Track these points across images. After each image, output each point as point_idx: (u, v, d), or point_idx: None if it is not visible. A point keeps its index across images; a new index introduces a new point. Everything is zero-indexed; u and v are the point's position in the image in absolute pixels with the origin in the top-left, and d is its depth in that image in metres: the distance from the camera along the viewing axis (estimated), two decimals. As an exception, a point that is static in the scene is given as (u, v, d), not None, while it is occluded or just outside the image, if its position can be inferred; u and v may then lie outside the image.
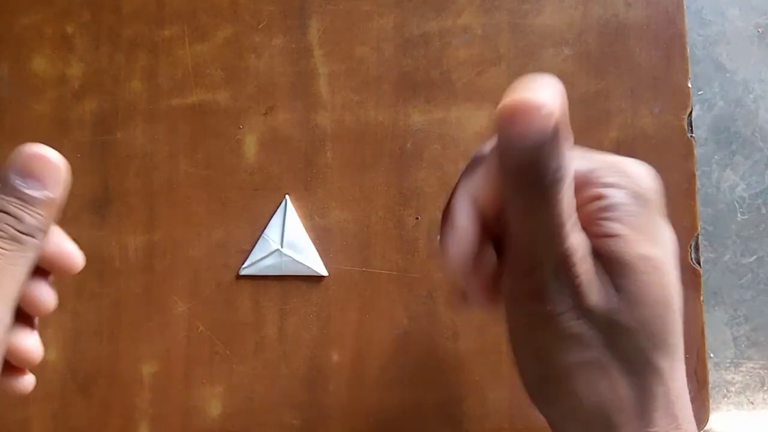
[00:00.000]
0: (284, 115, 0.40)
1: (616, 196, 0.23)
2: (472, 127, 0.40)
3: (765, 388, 0.44)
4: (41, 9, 0.42)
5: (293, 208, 0.39)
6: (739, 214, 0.45)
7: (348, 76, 0.40)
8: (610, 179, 0.23)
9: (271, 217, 0.39)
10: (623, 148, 0.39)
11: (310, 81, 0.40)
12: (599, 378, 0.23)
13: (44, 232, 0.23)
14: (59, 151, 0.42)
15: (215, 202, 0.40)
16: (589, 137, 0.40)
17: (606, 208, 0.23)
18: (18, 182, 0.22)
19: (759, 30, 0.45)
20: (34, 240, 0.22)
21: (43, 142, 0.41)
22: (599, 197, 0.23)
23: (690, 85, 0.40)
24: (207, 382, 0.39)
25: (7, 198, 0.22)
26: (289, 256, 0.39)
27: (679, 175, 0.39)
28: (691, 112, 0.39)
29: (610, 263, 0.22)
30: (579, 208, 0.23)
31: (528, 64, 0.40)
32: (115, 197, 0.40)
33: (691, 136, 0.39)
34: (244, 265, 0.39)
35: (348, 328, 0.39)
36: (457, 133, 0.40)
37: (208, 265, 0.40)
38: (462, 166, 0.40)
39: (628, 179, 0.23)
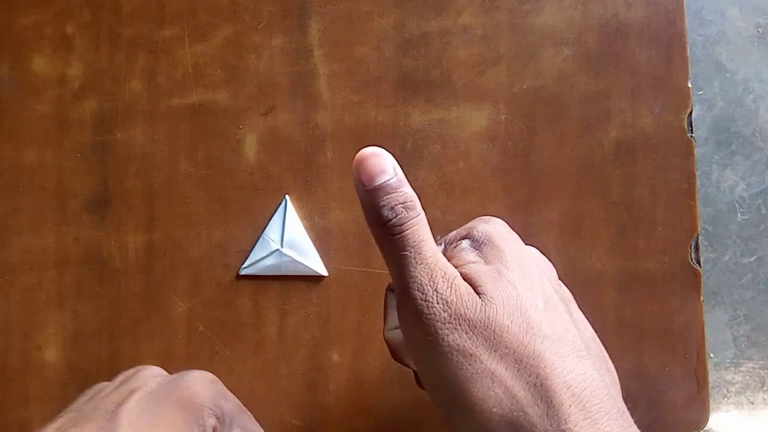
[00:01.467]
0: (284, 115, 0.40)
1: (472, 238, 0.28)
2: (472, 127, 0.40)
3: (765, 388, 0.44)
4: (41, 9, 0.42)
5: (293, 208, 0.39)
6: (739, 214, 0.45)
7: (348, 76, 0.40)
8: (474, 230, 0.28)
9: (272, 216, 0.39)
10: (623, 148, 0.39)
11: (310, 81, 0.40)
12: (493, 386, 0.24)
13: None
14: (59, 151, 0.43)
15: (215, 202, 0.40)
16: (589, 137, 0.40)
17: (469, 246, 0.28)
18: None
19: (759, 30, 0.45)
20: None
21: (43, 142, 0.41)
22: (465, 238, 0.28)
23: (690, 85, 0.40)
24: (207, 382, 0.39)
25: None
26: (289, 256, 0.39)
27: (679, 175, 0.39)
28: (691, 112, 0.39)
29: (472, 281, 0.26)
30: (456, 247, 0.28)
31: (528, 64, 0.40)
32: (115, 197, 0.40)
33: (691, 136, 0.39)
34: (244, 265, 0.39)
35: (348, 328, 0.39)
36: (457, 133, 0.40)
37: (208, 265, 0.40)
38: (462, 165, 0.40)
39: (481, 227, 0.28)
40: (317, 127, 0.40)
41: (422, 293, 0.26)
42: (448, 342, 0.25)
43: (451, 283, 0.26)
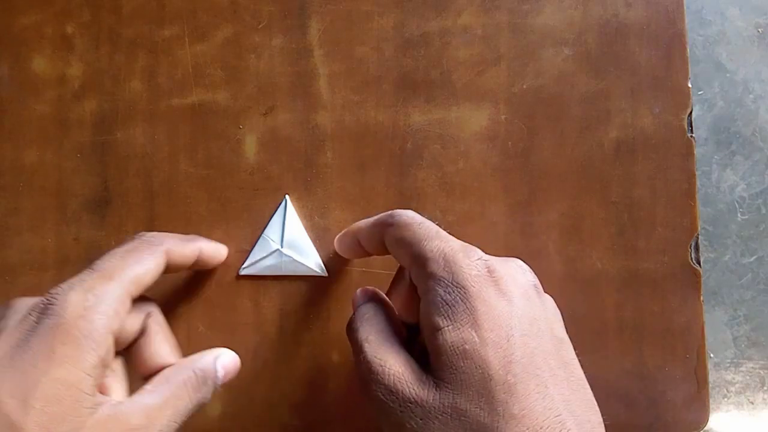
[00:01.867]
0: (284, 115, 0.40)
1: (435, 291, 0.27)
2: (472, 127, 0.40)
3: (765, 388, 0.44)
4: (41, 9, 0.42)
5: (293, 208, 0.39)
6: (739, 214, 0.45)
7: (348, 76, 0.40)
8: (432, 268, 0.27)
9: (272, 216, 0.39)
10: (623, 148, 0.39)
11: (310, 81, 0.40)
12: None
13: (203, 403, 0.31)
14: (59, 151, 0.43)
15: (215, 202, 0.40)
16: (589, 137, 0.40)
17: (429, 304, 0.27)
18: (221, 374, 0.33)
19: (759, 30, 0.45)
20: (204, 401, 0.31)
21: (43, 142, 0.41)
22: (427, 290, 0.27)
23: (690, 85, 0.40)
24: (207, 382, 0.39)
25: (213, 374, 0.32)
26: (289, 256, 0.39)
27: (679, 175, 0.39)
28: (691, 112, 0.40)
29: (436, 355, 0.26)
30: (427, 296, 0.27)
31: (528, 64, 0.40)
32: (115, 197, 0.40)
33: (691, 136, 0.39)
34: (244, 265, 0.39)
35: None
36: (457, 133, 0.40)
37: (208, 265, 0.39)
38: (462, 165, 0.40)
39: (448, 267, 0.27)
40: (317, 127, 0.40)
41: (369, 381, 0.27)
42: (410, 425, 0.25)
43: (389, 371, 0.27)
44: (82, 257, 0.40)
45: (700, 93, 0.45)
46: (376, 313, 0.30)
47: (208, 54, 0.41)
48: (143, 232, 0.33)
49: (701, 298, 0.39)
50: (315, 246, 0.39)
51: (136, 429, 0.27)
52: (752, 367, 0.44)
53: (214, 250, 0.37)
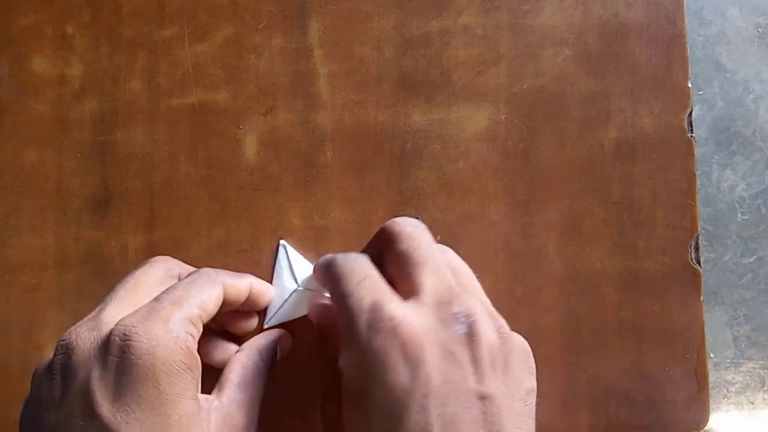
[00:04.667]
0: (284, 115, 0.40)
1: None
2: (472, 127, 0.40)
3: (765, 388, 0.44)
4: (41, 9, 0.42)
5: (294, 249, 0.38)
6: (739, 214, 0.45)
7: (348, 76, 0.40)
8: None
9: (274, 266, 0.38)
10: (623, 148, 0.39)
11: (310, 81, 0.40)
12: None
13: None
14: (59, 151, 0.43)
15: (215, 202, 0.40)
16: (589, 137, 0.40)
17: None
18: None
19: (759, 30, 0.45)
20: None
21: (43, 142, 0.41)
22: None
23: (690, 85, 0.40)
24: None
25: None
26: (311, 290, 0.37)
27: (679, 175, 0.39)
28: (691, 112, 0.40)
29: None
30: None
31: (528, 64, 0.40)
32: (115, 197, 0.40)
33: (691, 136, 0.39)
34: (268, 318, 0.37)
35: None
36: (457, 133, 0.40)
37: (208, 265, 0.39)
38: (462, 165, 0.40)
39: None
40: (317, 127, 0.40)
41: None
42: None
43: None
44: (82, 257, 0.40)
45: (700, 93, 0.45)
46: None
47: (208, 54, 0.41)
48: (201, 269, 0.33)
49: (701, 298, 0.39)
50: (315, 246, 0.39)
51: (244, 428, 0.29)
52: (752, 367, 0.44)
53: (264, 287, 0.36)
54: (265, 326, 0.37)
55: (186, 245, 0.40)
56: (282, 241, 0.38)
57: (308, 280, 0.37)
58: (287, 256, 0.37)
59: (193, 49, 0.41)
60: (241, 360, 0.31)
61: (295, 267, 0.37)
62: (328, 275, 0.30)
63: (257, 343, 0.33)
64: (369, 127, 0.40)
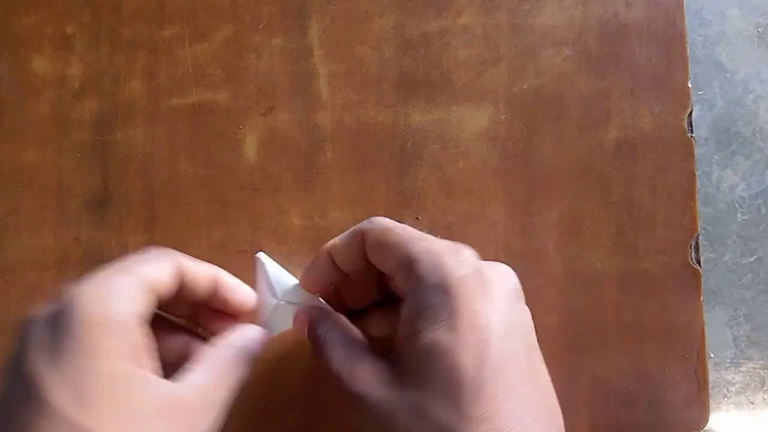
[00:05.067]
0: (284, 115, 0.40)
1: (419, 294, 0.27)
2: (472, 127, 0.40)
3: (765, 388, 0.44)
4: (41, 9, 0.42)
5: (271, 260, 0.35)
6: (739, 214, 0.45)
7: (348, 76, 0.40)
8: (424, 270, 0.27)
9: (256, 279, 0.35)
10: (623, 148, 0.39)
11: (310, 81, 0.40)
12: None
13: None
14: (59, 151, 0.43)
15: (215, 202, 0.40)
16: (589, 137, 0.40)
17: (412, 307, 0.27)
18: (255, 350, 0.32)
19: (759, 30, 0.45)
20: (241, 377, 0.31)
21: (43, 142, 0.41)
22: (412, 292, 0.27)
23: (690, 85, 0.40)
24: (207, 382, 0.39)
25: (253, 348, 0.32)
26: (292, 303, 0.34)
27: (679, 175, 0.39)
28: (691, 112, 0.40)
29: (408, 358, 0.26)
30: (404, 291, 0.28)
31: (528, 64, 0.40)
32: (115, 197, 0.40)
33: (691, 136, 0.39)
34: None
35: (348, 328, 0.39)
36: (457, 133, 0.40)
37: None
38: (462, 165, 0.40)
39: (436, 269, 0.27)
40: (317, 127, 0.40)
41: (343, 389, 0.28)
42: (374, 429, 0.26)
43: (358, 377, 0.28)
44: (82, 257, 0.40)
45: (700, 93, 0.45)
46: (334, 328, 0.31)
47: (208, 54, 0.41)
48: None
49: (701, 298, 0.39)
50: (314, 246, 0.38)
51: (196, 411, 0.27)
52: (752, 367, 0.44)
53: (234, 283, 0.33)
54: None
55: (186, 245, 0.40)
56: (258, 254, 0.35)
57: (288, 291, 0.34)
58: (264, 268, 0.35)
59: (193, 49, 0.41)
60: (207, 352, 0.29)
61: (273, 279, 0.34)
62: (379, 231, 0.29)
63: (227, 335, 0.31)
64: (369, 127, 0.40)
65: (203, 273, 0.32)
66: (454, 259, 0.27)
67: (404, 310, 0.27)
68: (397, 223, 0.30)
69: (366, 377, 0.27)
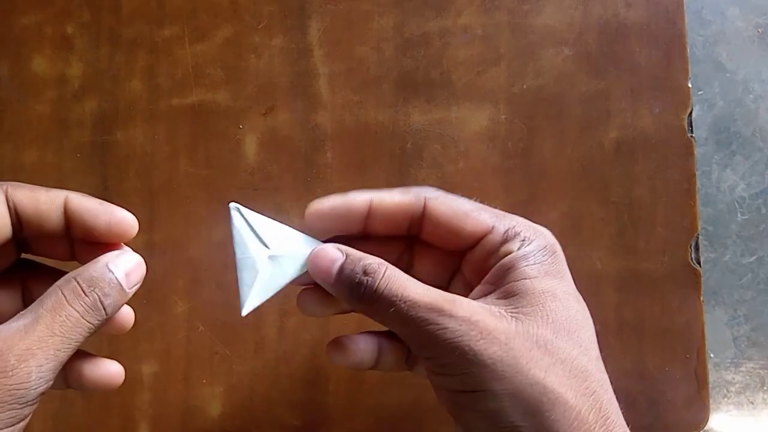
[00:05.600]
0: (284, 115, 0.40)
1: (529, 247, 0.27)
2: (472, 127, 0.40)
3: (765, 388, 0.44)
4: (41, 9, 0.42)
5: (250, 210, 0.30)
6: (739, 214, 0.45)
7: (348, 76, 0.40)
8: (526, 233, 0.28)
9: (232, 237, 0.29)
10: (623, 148, 0.39)
11: (310, 81, 0.40)
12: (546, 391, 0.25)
13: (109, 318, 0.26)
14: (59, 151, 0.43)
15: (215, 202, 0.40)
16: (589, 137, 0.40)
17: (522, 257, 0.27)
18: (121, 277, 0.26)
19: (759, 30, 0.45)
20: (104, 317, 0.26)
21: (43, 142, 0.41)
22: (518, 247, 0.27)
23: (690, 85, 0.40)
24: (207, 382, 0.39)
25: (106, 278, 0.26)
26: (284, 254, 0.29)
27: (679, 175, 0.39)
28: (691, 112, 0.40)
29: (521, 298, 0.26)
30: (498, 256, 0.28)
31: (528, 64, 0.40)
32: (115, 197, 0.40)
33: (691, 136, 0.39)
34: (243, 301, 0.29)
35: (348, 328, 0.39)
36: (457, 133, 0.40)
37: (208, 265, 0.40)
38: (462, 166, 0.40)
39: (539, 234, 0.28)
40: (317, 127, 0.40)
41: (434, 323, 0.25)
42: (489, 354, 0.24)
43: (460, 305, 0.25)
44: (82, 257, 0.40)
45: (700, 93, 0.45)
46: (397, 269, 0.26)
47: (208, 54, 0.41)
48: None
49: (701, 298, 0.39)
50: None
51: (12, 368, 0.22)
52: (752, 367, 0.44)
53: (89, 203, 0.27)
54: (243, 313, 0.29)
55: (186, 245, 0.40)
56: (233, 204, 0.29)
57: (284, 240, 0.29)
58: (244, 219, 0.29)
59: (193, 49, 0.41)
60: (49, 290, 0.25)
61: (259, 229, 0.29)
62: (449, 198, 0.28)
63: (79, 270, 0.26)
64: (369, 127, 0.40)
65: (44, 198, 0.26)
66: (543, 229, 0.29)
67: (506, 262, 0.27)
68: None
69: (472, 306, 0.25)
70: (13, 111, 0.41)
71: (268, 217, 0.29)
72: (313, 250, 0.28)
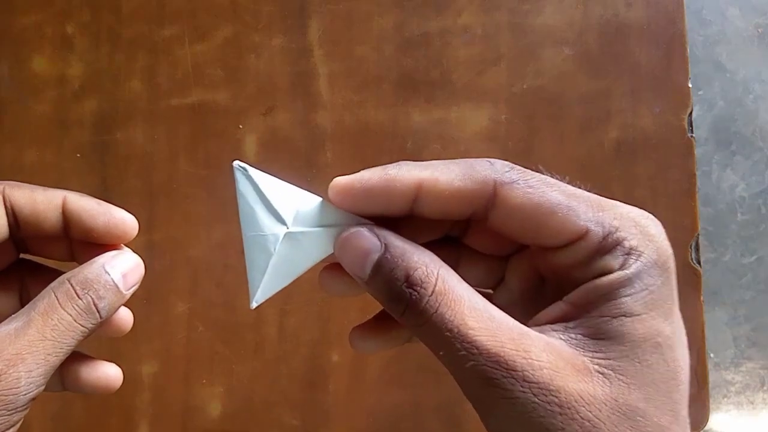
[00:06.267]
0: (284, 115, 0.40)
1: (637, 266, 0.21)
2: (472, 127, 0.40)
3: (765, 388, 0.44)
4: (41, 9, 0.41)
5: (260, 171, 0.23)
6: (739, 214, 0.45)
7: (348, 76, 0.40)
8: (633, 241, 0.21)
9: (238, 206, 0.24)
10: (623, 148, 0.39)
11: (310, 81, 0.40)
12: None
13: (104, 321, 0.25)
14: (59, 151, 0.43)
15: (215, 202, 0.40)
16: (589, 137, 0.40)
17: (625, 282, 0.21)
18: (117, 278, 0.25)
19: (759, 30, 0.45)
20: (98, 320, 0.25)
21: (43, 142, 0.41)
22: (621, 265, 0.21)
23: (690, 85, 0.40)
24: (207, 382, 0.39)
25: (102, 279, 0.24)
26: (307, 228, 0.23)
27: (679, 175, 0.39)
28: (691, 112, 0.40)
29: (615, 345, 0.20)
30: (590, 270, 0.21)
31: (528, 64, 0.40)
32: (115, 197, 0.40)
33: (691, 136, 0.39)
34: (253, 290, 0.24)
35: (348, 328, 0.39)
36: (457, 133, 0.40)
37: (208, 265, 0.40)
38: (462, 166, 0.40)
39: (650, 242, 0.21)
40: (317, 127, 0.40)
41: (500, 386, 0.19)
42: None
43: (538, 361, 0.19)
44: (82, 257, 0.40)
45: (700, 93, 0.45)
46: (452, 274, 0.21)
47: (208, 54, 0.41)
48: None
49: (701, 298, 0.39)
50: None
51: (0, 373, 0.21)
52: (752, 367, 0.44)
53: (91, 208, 0.26)
54: (253, 305, 0.24)
55: (186, 245, 0.40)
56: (237, 162, 0.23)
57: (306, 213, 0.23)
58: (253, 183, 0.23)
59: (193, 49, 0.41)
60: (42, 292, 0.24)
61: (273, 197, 0.23)
62: (530, 183, 0.22)
63: (74, 270, 0.25)
64: (369, 127, 0.40)
65: (44, 200, 0.25)
66: (659, 232, 0.22)
67: (599, 286, 0.21)
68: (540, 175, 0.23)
69: (552, 361, 0.19)
70: (13, 111, 0.41)
71: (283, 180, 0.23)
72: (341, 229, 0.22)
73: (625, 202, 0.24)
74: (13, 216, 0.25)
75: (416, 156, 0.40)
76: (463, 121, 0.40)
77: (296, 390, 0.39)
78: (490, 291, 0.25)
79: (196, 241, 0.40)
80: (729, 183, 0.44)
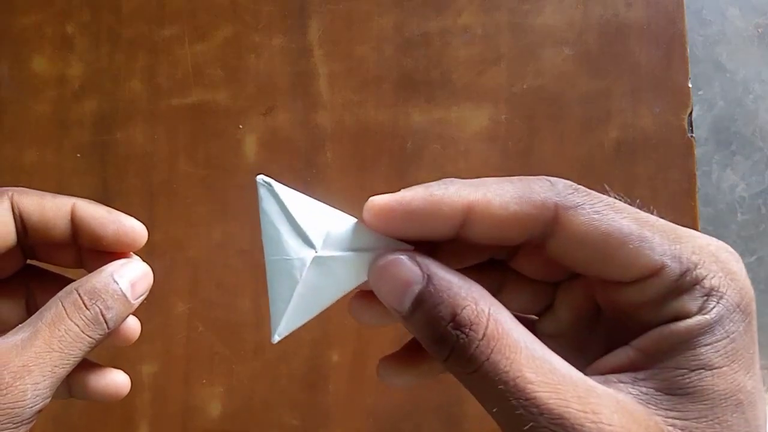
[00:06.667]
0: (284, 115, 0.40)
1: (718, 309, 0.18)
2: (472, 127, 0.40)
3: (765, 387, 0.44)
4: (41, 9, 0.42)
5: (285, 186, 0.21)
6: (739, 214, 0.45)
7: (348, 76, 0.40)
8: (714, 281, 0.19)
9: (262, 225, 0.21)
10: (623, 148, 0.39)
11: (310, 81, 0.40)
12: None
13: (112, 331, 0.24)
14: (59, 151, 0.43)
15: (215, 202, 0.40)
16: (589, 137, 0.40)
17: (705, 330, 0.18)
18: (126, 287, 0.24)
19: (759, 30, 0.45)
20: (106, 331, 0.24)
21: (43, 142, 0.41)
22: (700, 308, 0.18)
23: (690, 85, 0.40)
24: (207, 382, 0.39)
25: (110, 289, 0.24)
26: (337, 256, 0.21)
27: (679, 175, 0.39)
28: (691, 112, 0.40)
29: (692, 403, 0.18)
30: (663, 314, 0.19)
31: (528, 64, 0.40)
32: (115, 197, 0.40)
33: (691, 136, 0.39)
34: (277, 325, 0.21)
35: (348, 328, 0.39)
36: (457, 133, 0.40)
37: (208, 265, 0.40)
38: (462, 166, 0.40)
39: (732, 282, 0.19)
40: (317, 127, 0.40)
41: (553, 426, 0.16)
42: None
43: (609, 424, 0.16)
44: (82, 257, 0.40)
45: (700, 93, 0.45)
46: (505, 313, 0.18)
47: (208, 54, 0.41)
48: None
49: (701, 298, 0.39)
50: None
51: (6, 386, 0.21)
52: (752, 367, 0.44)
53: (96, 211, 0.26)
54: (275, 339, 0.21)
55: (186, 245, 0.40)
56: (261, 177, 0.21)
57: (335, 235, 0.20)
58: (278, 200, 0.21)
59: (193, 49, 0.41)
60: (49, 302, 0.23)
61: (300, 216, 0.20)
62: (594, 209, 0.20)
63: (82, 280, 0.24)
64: (369, 127, 0.40)
65: (50, 205, 0.25)
66: (740, 269, 0.20)
67: (675, 333, 0.18)
68: (604, 196, 0.21)
69: (623, 424, 0.17)
70: (13, 111, 0.41)
71: (311, 196, 0.21)
72: (377, 255, 0.19)
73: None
74: (21, 222, 0.25)
75: (416, 156, 0.40)
76: (463, 121, 0.40)
77: (296, 390, 0.39)
78: (535, 317, 0.23)
79: (196, 241, 0.40)
80: (729, 183, 0.44)
